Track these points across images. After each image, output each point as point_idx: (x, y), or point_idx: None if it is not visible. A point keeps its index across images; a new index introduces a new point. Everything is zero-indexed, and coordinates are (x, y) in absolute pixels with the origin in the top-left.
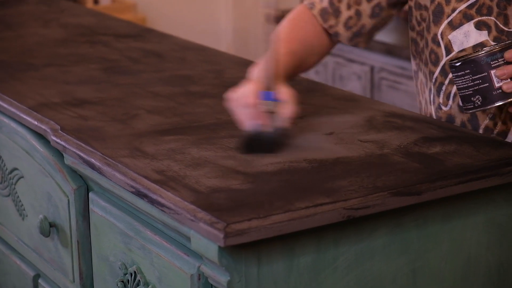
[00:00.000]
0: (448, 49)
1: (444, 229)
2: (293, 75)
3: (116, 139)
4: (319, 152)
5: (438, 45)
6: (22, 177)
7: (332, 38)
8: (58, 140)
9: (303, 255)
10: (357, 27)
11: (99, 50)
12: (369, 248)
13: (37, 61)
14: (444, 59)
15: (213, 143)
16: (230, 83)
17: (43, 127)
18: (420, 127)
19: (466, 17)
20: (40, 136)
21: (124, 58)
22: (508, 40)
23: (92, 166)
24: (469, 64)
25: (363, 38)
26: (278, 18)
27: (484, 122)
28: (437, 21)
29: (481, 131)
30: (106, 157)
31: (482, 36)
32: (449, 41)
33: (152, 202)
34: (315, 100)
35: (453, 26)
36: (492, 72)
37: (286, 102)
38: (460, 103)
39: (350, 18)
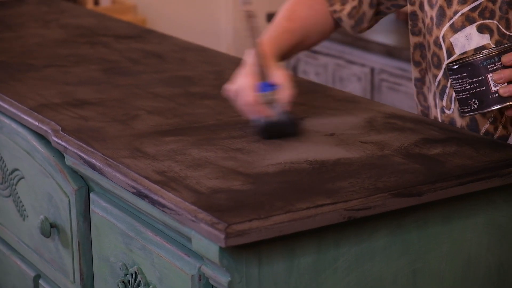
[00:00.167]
0: (450, 52)
1: (444, 230)
2: (290, 53)
3: (116, 140)
4: (320, 153)
5: (440, 47)
6: (22, 177)
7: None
8: (59, 141)
9: (303, 256)
10: (358, 15)
11: (99, 51)
12: (370, 249)
13: (37, 61)
14: (446, 62)
15: (213, 144)
16: None
17: (44, 127)
18: (421, 128)
19: (468, 20)
20: (41, 137)
21: (124, 59)
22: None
23: (93, 167)
24: (466, 67)
25: (365, 25)
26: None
27: (485, 126)
28: (439, 24)
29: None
30: (107, 158)
31: (484, 39)
32: (451, 43)
33: (153, 202)
34: (315, 101)
35: (455, 29)
36: (489, 75)
37: (283, 86)
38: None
39: (354, 8)
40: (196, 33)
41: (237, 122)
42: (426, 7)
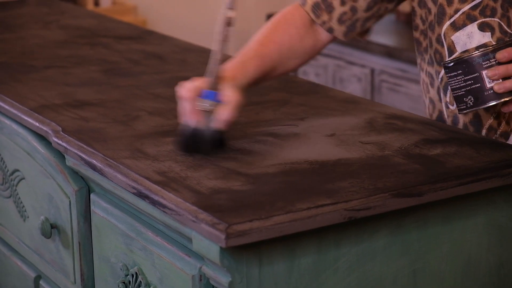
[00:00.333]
0: (451, 50)
1: (444, 230)
2: (261, 79)
3: (117, 141)
4: (320, 154)
5: (442, 45)
6: (23, 178)
7: (327, 34)
8: (60, 142)
9: (304, 256)
10: (351, 21)
11: (100, 52)
12: (370, 249)
13: (37, 62)
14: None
15: None
16: None
17: (45, 128)
18: (421, 129)
19: (469, 18)
20: (41, 138)
21: (124, 60)
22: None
23: (93, 168)
24: (461, 64)
25: (358, 31)
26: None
27: (488, 121)
28: (440, 22)
29: (484, 130)
30: (108, 158)
31: (485, 37)
32: (452, 41)
33: (154, 203)
34: (316, 102)
35: (456, 27)
36: (484, 72)
37: (226, 105)
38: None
39: (344, 13)
40: (196, 34)
41: (237, 123)
42: (430, 4)
